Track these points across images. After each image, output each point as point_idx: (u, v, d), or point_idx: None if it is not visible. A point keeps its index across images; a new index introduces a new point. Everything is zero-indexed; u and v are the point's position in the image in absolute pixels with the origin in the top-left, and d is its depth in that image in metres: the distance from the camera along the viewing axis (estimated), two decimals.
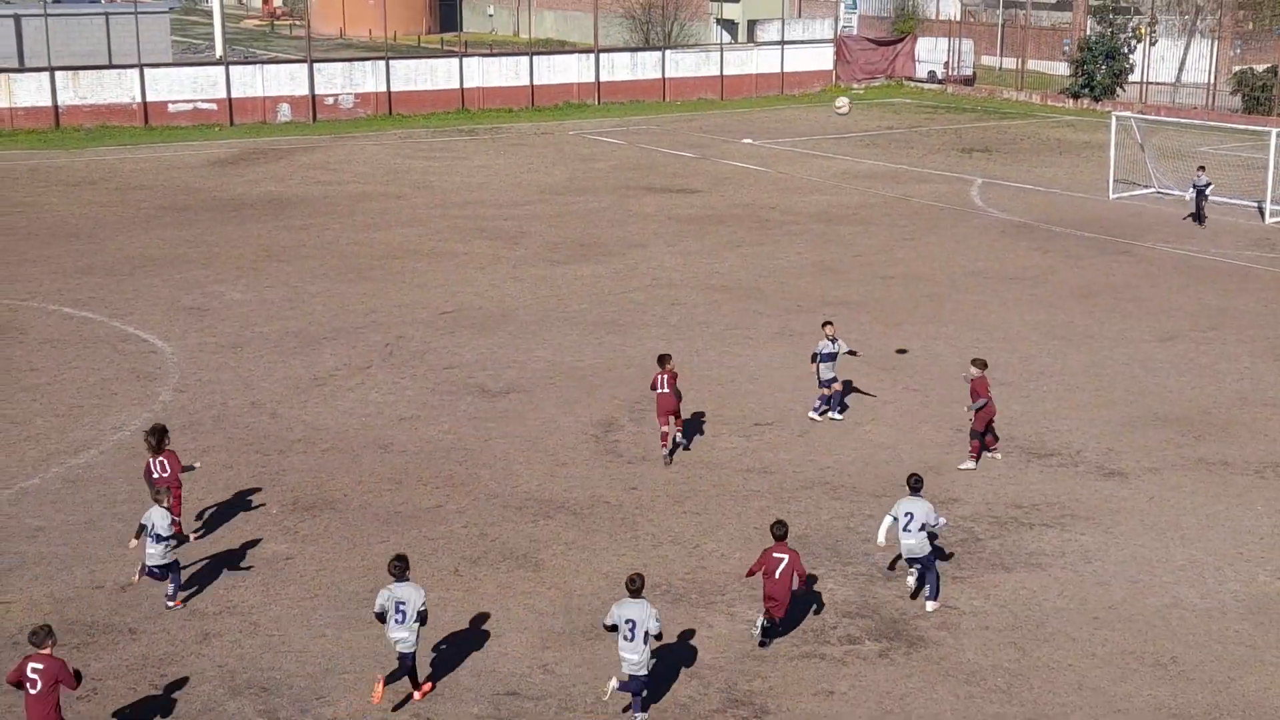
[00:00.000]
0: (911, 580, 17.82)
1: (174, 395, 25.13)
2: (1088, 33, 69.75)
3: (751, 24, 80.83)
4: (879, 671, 16.10)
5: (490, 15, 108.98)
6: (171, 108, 57.82)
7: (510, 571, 18.40)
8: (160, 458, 18.65)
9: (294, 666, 16.05)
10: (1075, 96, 67.61)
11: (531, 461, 22.18)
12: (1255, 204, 41.56)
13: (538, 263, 35.04)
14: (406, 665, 15.32)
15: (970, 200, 43.87)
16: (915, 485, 17.74)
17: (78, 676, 14.02)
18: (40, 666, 13.63)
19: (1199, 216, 40.49)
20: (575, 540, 19.34)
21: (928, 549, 17.34)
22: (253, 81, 59.54)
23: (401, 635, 15.20)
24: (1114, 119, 46.02)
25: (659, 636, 14.98)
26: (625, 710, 15.12)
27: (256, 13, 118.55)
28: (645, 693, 14.95)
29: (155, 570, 17.09)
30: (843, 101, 24.79)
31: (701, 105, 67.83)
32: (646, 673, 14.83)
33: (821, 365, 23.77)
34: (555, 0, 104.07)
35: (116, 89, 57.10)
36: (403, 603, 15.19)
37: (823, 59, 74.09)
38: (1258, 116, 59.80)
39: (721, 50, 71.72)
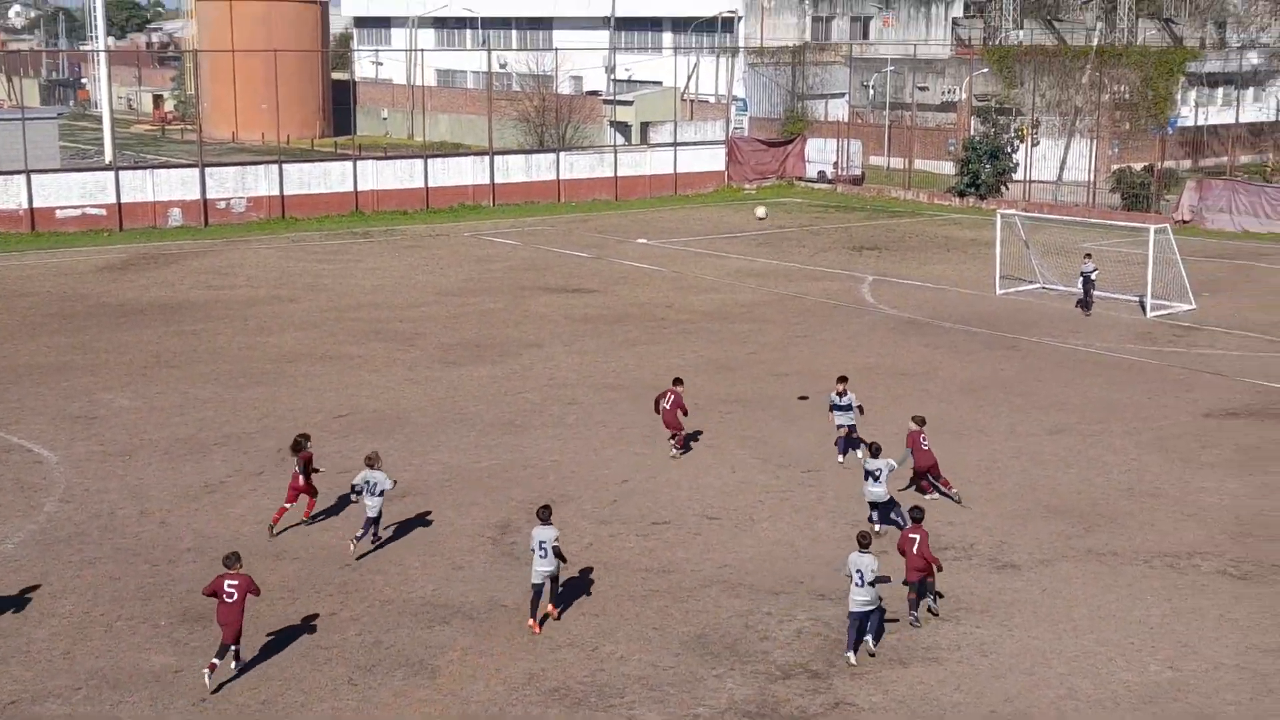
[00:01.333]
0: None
1: (59, 506, 24.57)
2: (972, 133, 71.53)
3: (645, 126, 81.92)
4: None
5: (385, 118, 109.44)
6: (59, 213, 57.15)
7: (406, 679, 18.11)
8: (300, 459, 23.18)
9: None
10: (961, 195, 69.14)
11: (427, 566, 21.95)
12: (1137, 298, 42.63)
13: (433, 365, 34.92)
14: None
15: (861, 297, 44.54)
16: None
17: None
18: (235, 582, 18.04)
19: (1086, 304, 41.57)
20: (472, 646, 19.11)
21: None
22: (143, 186, 59.08)
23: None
24: (999, 217, 47.09)
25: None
26: None
27: (147, 117, 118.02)
28: None
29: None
30: (762, 211, 26.36)
31: (596, 206, 68.40)
32: None
33: (836, 413, 27.28)
34: (449, 104, 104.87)
35: (3, 195, 56.36)
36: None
37: (715, 160, 75.19)
38: (1137, 213, 61.53)
39: (615, 152, 72.53)
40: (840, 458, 27.26)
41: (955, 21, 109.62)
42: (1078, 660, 18.76)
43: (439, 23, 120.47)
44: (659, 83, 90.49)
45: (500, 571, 21.72)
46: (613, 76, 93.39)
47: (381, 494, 22.08)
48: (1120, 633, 19.63)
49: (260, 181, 61.65)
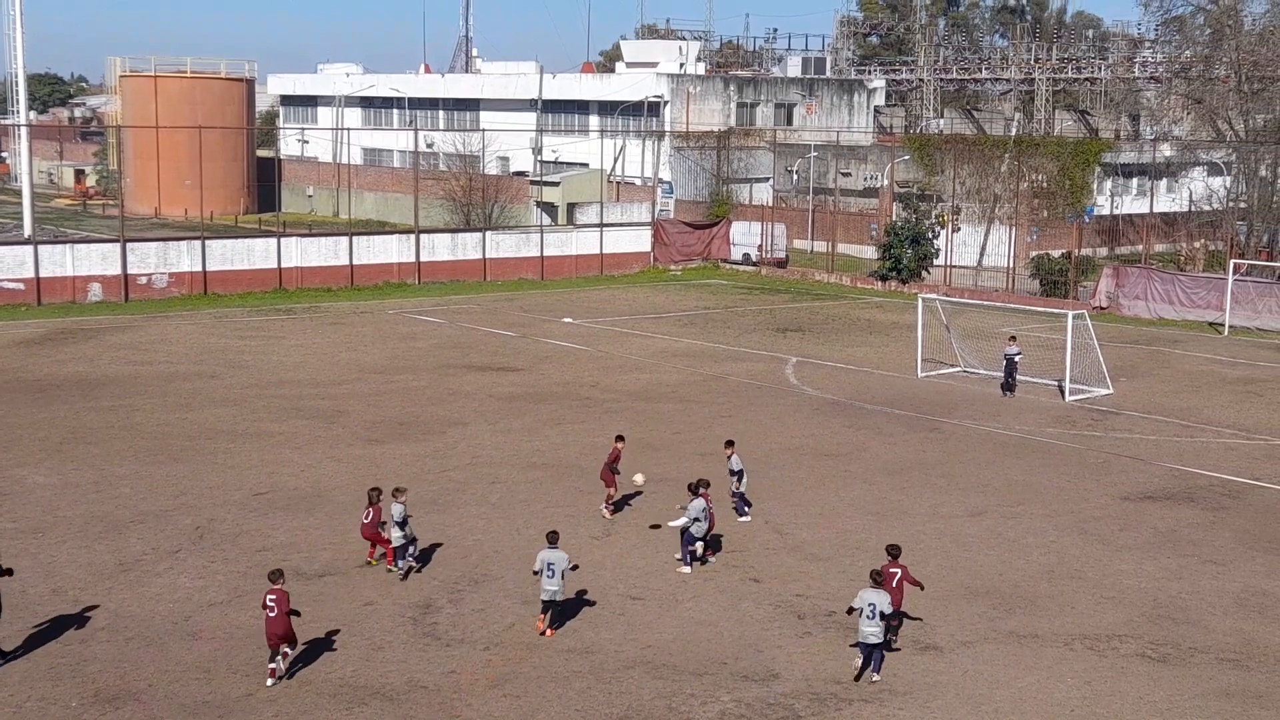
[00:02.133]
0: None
1: None
2: (894, 218, 72.55)
3: (571, 206, 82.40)
4: None
5: (310, 196, 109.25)
6: None
7: None
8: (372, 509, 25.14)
9: None
10: (883, 279, 69.96)
11: (347, 646, 21.63)
12: (1055, 383, 43.22)
13: (355, 442, 34.64)
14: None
15: (785, 378, 44.81)
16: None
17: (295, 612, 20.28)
18: (274, 597, 19.98)
19: (1009, 386, 42.11)
20: None
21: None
22: (63, 261, 58.48)
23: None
24: (920, 301, 47.66)
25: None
26: None
27: (69, 192, 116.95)
28: None
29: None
30: (640, 478, 27.16)
31: (522, 285, 68.51)
32: None
33: (731, 478, 28.68)
34: (375, 182, 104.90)
35: None
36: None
37: (641, 241, 75.67)
38: (1055, 299, 62.57)
39: (542, 232, 72.80)
40: (742, 518, 28.65)
41: (877, 109, 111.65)
42: None
43: (366, 102, 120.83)
44: (585, 164, 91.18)
45: (421, 652, 21.46)
46: (539, 157, 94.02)
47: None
48: (1041, 715, 19.69)
49: (183, 257, 61.20)
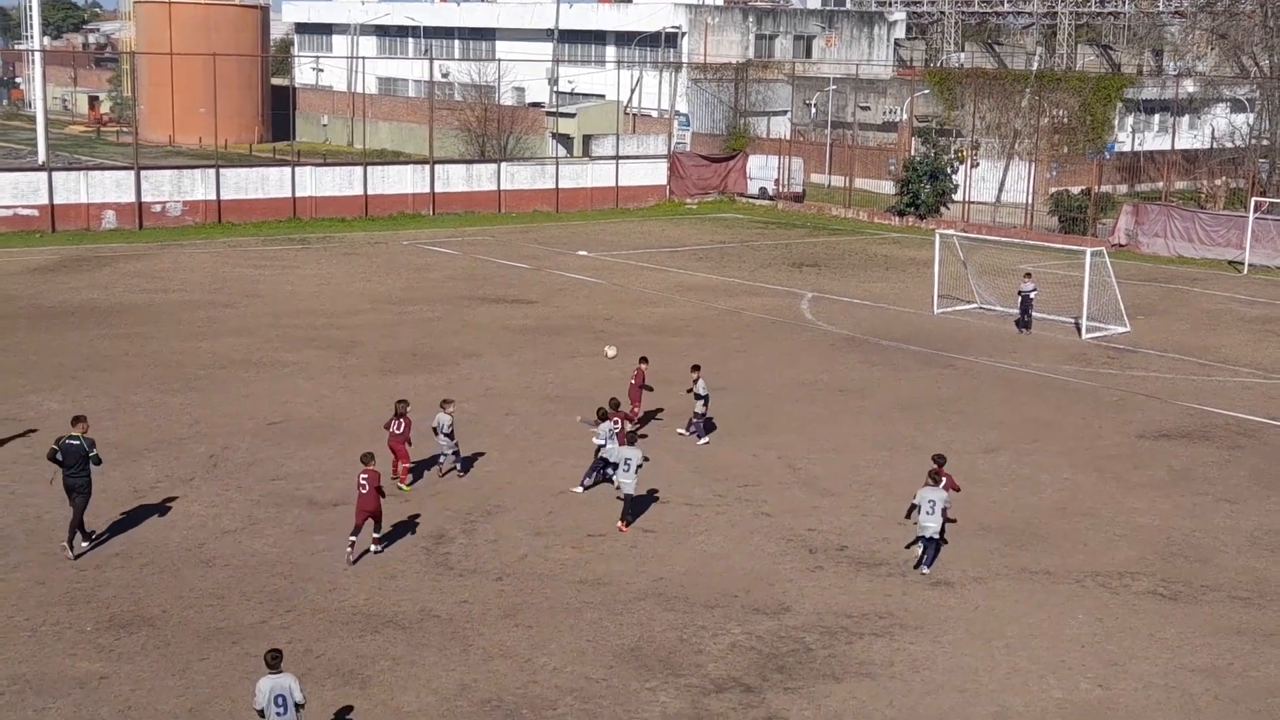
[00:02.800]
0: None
1: None
2: (913, 153, 72.04)
3: (587, 139, 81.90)
4: None
5: (324, 125, 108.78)
6: None
7: (336, 689, 17.89)
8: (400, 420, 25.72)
9: None
10: (901, 214, 69.59)
11: (360, 575, 21.71)
12: (1072, 320, 43.02)
13: (369, 372, 34.63)
14: None
15: (800, 314, 44.67)
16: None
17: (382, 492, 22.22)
18: (366, 476, 21.96)
19: (1024, 324, 41.96)
20: (404, 656, 18.91)
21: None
22: (77, 188, 58.34)
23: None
24: (938, 237, 47.39)
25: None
26: None
27: (83, 118, 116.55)
28: None
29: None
30: (612, 350, 27.30)
31: (537, 217, 68.27)
32: None
33: (696, 401, 29.19)
34: (390, 112, 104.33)
35: None
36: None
37: (657, 174, 75.29)
38: (1074, 236, 62.20)
39: (557, 164, 72.45)
40: (700, 440, 29.34)
41: (897, 43, 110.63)
42: (1009, 678, 18.83)
43: (381, 30, 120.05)
44: (602, 96, 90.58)
45: (433, 582, 21.53)
46: (555, 88, 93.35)
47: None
48: (1051, 651, 19.72)
49: (197, 186, 61.06)
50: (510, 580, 21.68)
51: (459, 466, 26.63)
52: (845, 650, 19.52)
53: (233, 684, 17.87)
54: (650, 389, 29.80)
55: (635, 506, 24.38)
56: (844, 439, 30.19)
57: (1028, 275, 43.07)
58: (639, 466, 24.02)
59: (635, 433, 26.06)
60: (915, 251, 58.33)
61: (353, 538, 22.13)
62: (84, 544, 22.34)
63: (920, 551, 22.61)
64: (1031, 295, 42.10)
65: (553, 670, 18.61)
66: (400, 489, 25.46)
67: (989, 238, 54.81)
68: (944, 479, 23.33)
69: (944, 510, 22.59)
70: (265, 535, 23.29)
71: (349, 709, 17.35)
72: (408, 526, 23.84)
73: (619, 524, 23.89)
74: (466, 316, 42.47)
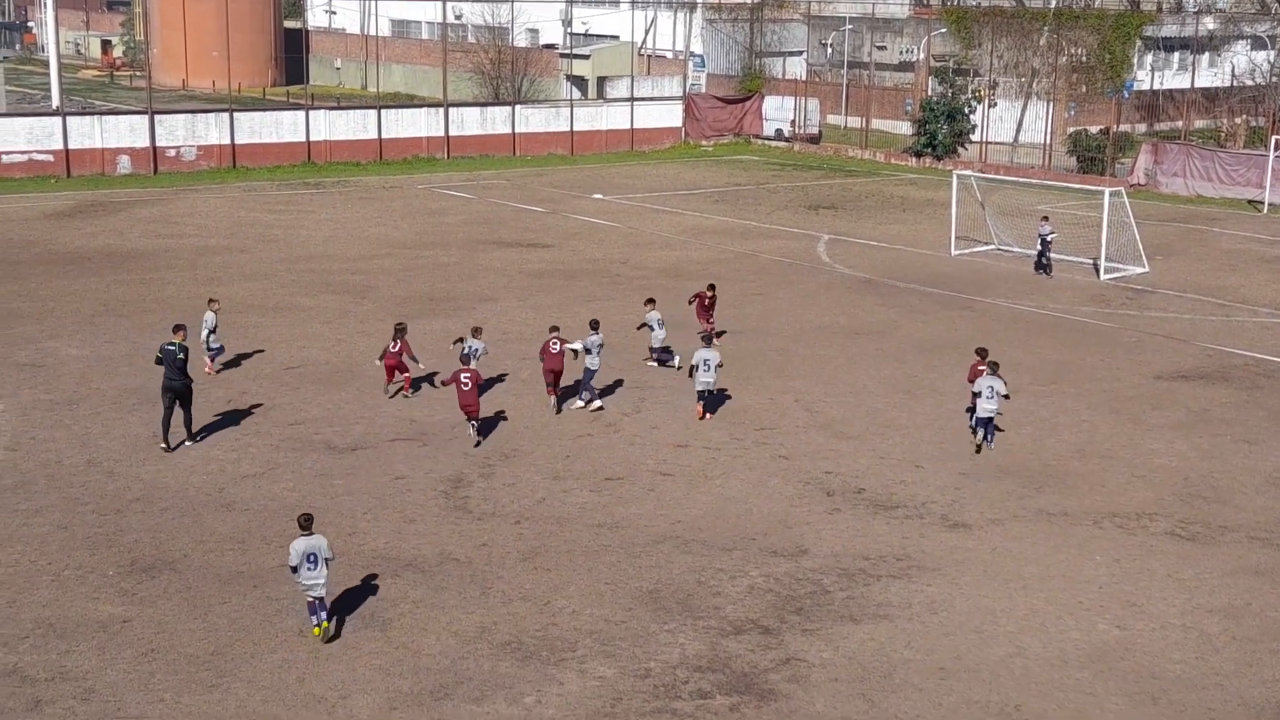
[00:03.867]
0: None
1: (5, 454, 24.26)
2: (929, 93, 71.53)
3: (601, 81, 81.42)
4: None
5: (338, 68, 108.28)
6: (5, 159, 56.32)
7: (357, 631, 18.01)
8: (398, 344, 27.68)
9: None
10: (918, 155, 69.19)
11: (379, 519, 21.81)
12: (1091, 261, 42.82)
13: (385, 317, 34.60)
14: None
15: (817, 256, 44.52)
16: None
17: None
18: (468, 374, 25.05)
19: (1044, 265, 41.79)
20: (423, 599, 19.02)
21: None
22: (91, 133, 58.27)
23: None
24: (955, 178, 47.13)
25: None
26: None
27: (95, 63, 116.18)
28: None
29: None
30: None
31: (552, 160, 68.03)
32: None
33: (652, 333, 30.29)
34: (404, 54, 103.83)
35: None
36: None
37: (672, 116, 74.88)
38: (1092, 176, 61.78)
39: (572, 106, 72.09)
40: (654, 363, 30.72)
41: None
42: (1027, 619, 18.88)
43: None
44: (616, 37, 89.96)
45: (453, 525, 21.62)
46: (569, 30, 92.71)
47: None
48: (1069, 592, 19.76)
49: (211, 130, 60.92)
50: (529, 524, 21.76)
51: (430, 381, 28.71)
52: (863, 592, 19.58)
53: (254, 626, 18.01)
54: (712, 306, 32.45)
55: (713, 401, 27.32)
56: (861, 382, 30.16)
57: (1045, 218, 42.86)
58: (718, 365, 26.81)
59: (713, 334, 29.76)
60: (932, 193, 58.04)
61: (473, 424, 25.30)
62: (187, 441, 24.82)
63: (982, 434, 25.55)
64: (1049, 238, 41.88)
65: (571, 613, 18.71)
66: (406, 396, 27.95)
67: (1007, 178, 54.52)
68: (984, 369, 25.78)
69: (1005, 396, 25.51)
70: (284, 480, 23.40)
71: (371, 651, 17.46)
72: (426, 470, 23.92)
73: (703, 414, 26.99)
74: (482, 260, 42.41)
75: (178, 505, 22.07)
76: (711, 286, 33.07)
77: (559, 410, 27.38)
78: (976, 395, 25.65)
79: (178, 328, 25.45)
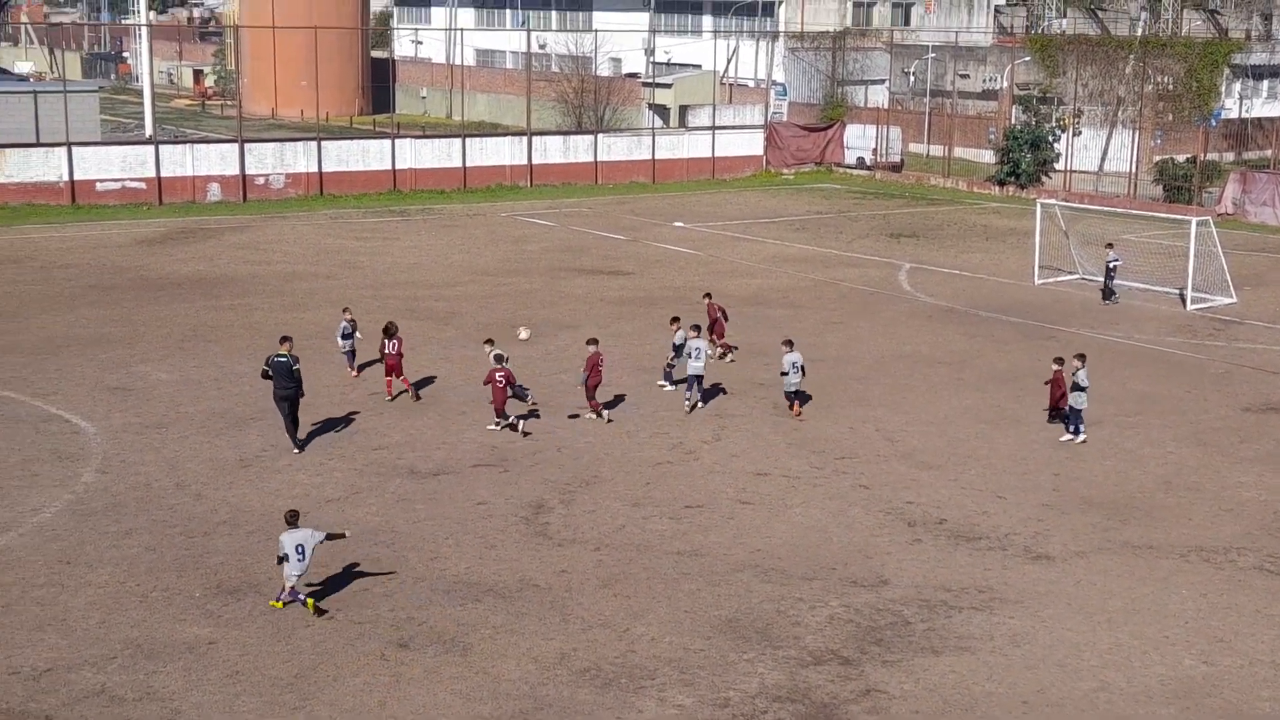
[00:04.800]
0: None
1: (97, 476, 24.74)
2: (1013, 122, 71.08)
3: (683, 109, 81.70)
4: None
5: (424, 97, 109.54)
6: (99, 186, 57.50)
7: (438, 656, 18.17)
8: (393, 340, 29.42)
9: None
10: (1001, 184, 68.74)
11: (460, 544, 21.99)
12: (1177, 291, 42.30)
13: (468, 343, 34.90)
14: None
15: (898, 285, 44.35)
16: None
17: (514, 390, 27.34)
18: (502, 373, 27.13)
19: (1109, 293, 41.40)
20: (504, 624, 19.14)
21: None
22: (183, 161, 59.37)
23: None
24: (1039, 206, 46.77)
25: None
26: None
27: (188, 92, 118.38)
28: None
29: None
30: (525, 333, 28.42)
31: (633, 188, 68.32)
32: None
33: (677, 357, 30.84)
34: (488, 83, 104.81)
35: (43, 167, 56.75)
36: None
37: (754, 144, 74.97)
38: (1178, 205, 61.04)
39: (654, 134, 72.40)
40: (666, 387, 31.33)
41: (997, 9, 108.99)
42: (1111, 653, 18.65)
43: (479, 2, 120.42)
44: (698, 66, 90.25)
45: (533, 551, 21.74)
46: (652, 59, 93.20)
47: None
48: (1154, 626, 19.50)
49: (299, 158, 61.86)
50: (608, 550, 21.84)
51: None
52: (944, 624, 19.45)
53: (337, 650, 18.21)
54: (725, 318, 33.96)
55: (802, 397, 29.46)
56: (942, 411, 29.99)
57: (1109, 245, 42.46)
58: (802, 368, 29.10)
59: (790, 341, 29.97)
60: (1015, 221, 57.61)
61: (503, 420, 27.41)
62: (294, 450, 26.20)
63: (1074, 425, 27.70)
64: (1114, 265, 41.48)
65: (650, 640, 18.75)
66: (416, 399, 29.68)
67: (1091, 207, 54.02)
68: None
69: (1085, 389, 27.67)
70: (367, 504, 23.66)
71: (451, 676, 17.60)
72: (507, 496, 24.09)
73: (797, 413, 29.04)
74: (563, 288, 42.67)
75: (263, 528, 22.37)
76: (707, 295, 35.01)
77: (604, 419, 28.58)
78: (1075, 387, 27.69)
79: (284, 339, 26.84)
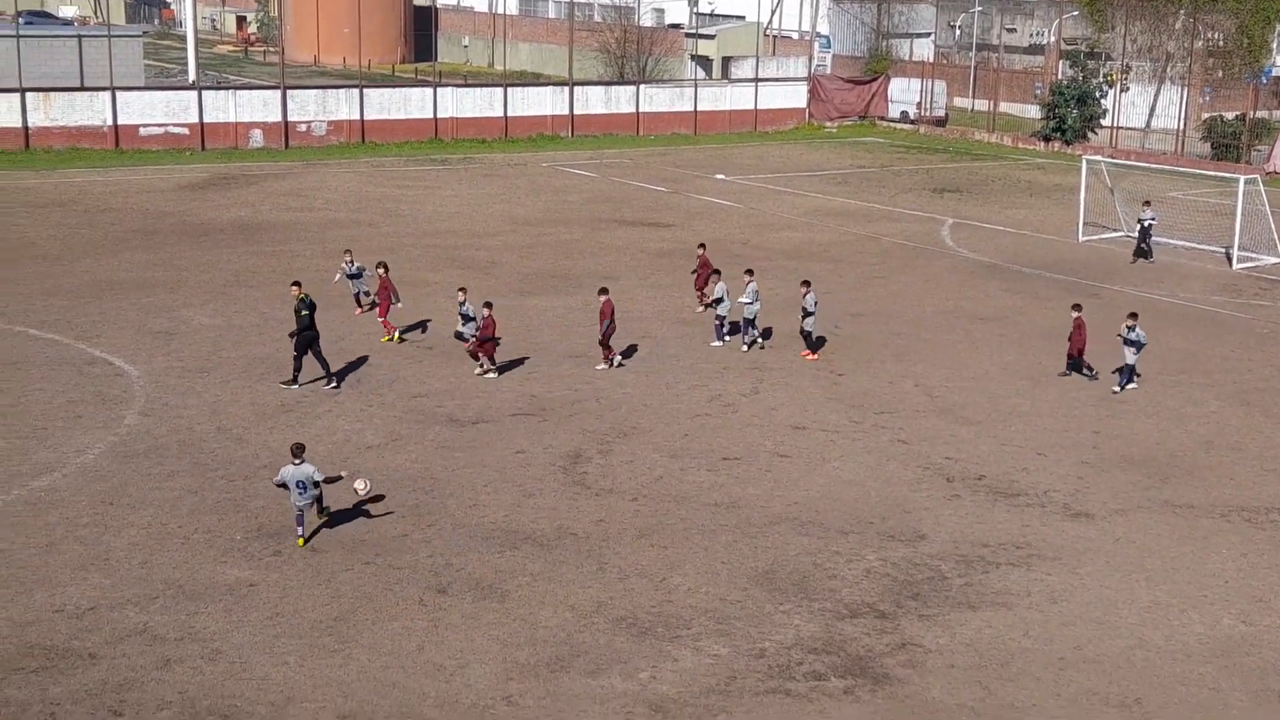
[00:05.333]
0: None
1: (139, 419, 24.94)
2: (1060, 77, 70.32)
3: (726, 61, 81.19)
4: (844, 709, 16.03)
5: (465, 46, 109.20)
6: (143, 131, 57.71)
7: (476, 602, 18.28)
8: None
9: (255, 694, 15.88)
10: (1046, 140, 68.11)
11: (499, 492, 22.09)
12: (1223, 250, 41.88)
13: (508, 293, 34.94)
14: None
15: (941, 240, 44.08)
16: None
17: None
18: (487, 312, 27.30)
19: (1144, 252, 40.94)
20: (541, 572, 19.24)
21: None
22: (225, 107, 59.48)
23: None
24: (1084, 163, 46.35)
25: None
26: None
27: (230, 38, 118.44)
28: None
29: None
30: (362, 486, 23.42)
31: (675, 140, 68.05)
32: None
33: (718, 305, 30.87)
34: (530, 33, 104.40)
35: (88, 111, 56.98)
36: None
37: (797, 97, 74.49)
38: (1226, 163, 60.33)
39: (696, 86, 72.03)
40: (715, 343, 30.95)
41: None
42: (1149, 611, 18.60)
43: None
44: (742, 17, 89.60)
45: (570, 500, 21.82)
46: (695, 9, 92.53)
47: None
48: (1193, 585, 19.42)
49: (341, 106, 61.87)
50: (646, 501, 21.89)
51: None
52: (981, 579, 19.42)
53: (376, 594, 18.35)
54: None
55: (814, 342, 30.07)
56: (983, 367, 29.85)
57: (1146, 203, 42.01)
58: (815, 304, 29.69)
59: (808, 282, 30.23)
60: (1060, 178, 57.12)
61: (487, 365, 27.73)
62: (327, 385, 26.96)
63: (1122, 379, 28.07)
64: (1150, 223, 41.03)
65: (687, 590, 18.81)
66: (401, 340, 30.31)
67: (1138, 164, 53.48)
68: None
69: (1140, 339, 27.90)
70: (407, 451, 23.78)
71: (489, 622, 17.71)
72: (545, 445, 24.16)
73: (810, 355, 29.77)
74: (604, 239, 42.62)
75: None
76: (702, 245, 35.00)
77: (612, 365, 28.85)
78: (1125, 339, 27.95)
79: (295, 283, 27.69)
